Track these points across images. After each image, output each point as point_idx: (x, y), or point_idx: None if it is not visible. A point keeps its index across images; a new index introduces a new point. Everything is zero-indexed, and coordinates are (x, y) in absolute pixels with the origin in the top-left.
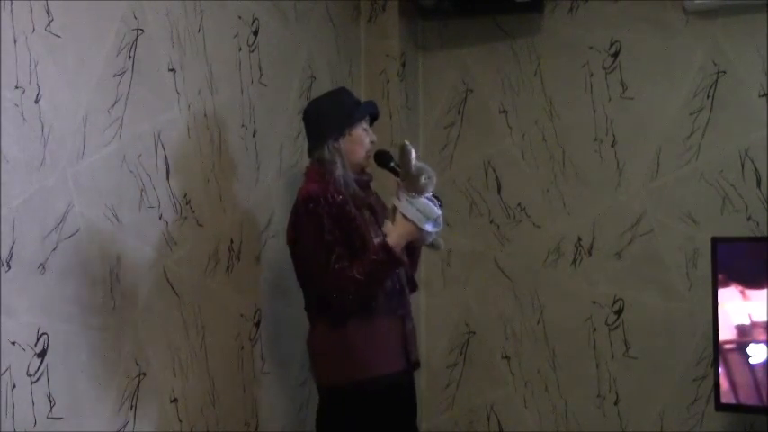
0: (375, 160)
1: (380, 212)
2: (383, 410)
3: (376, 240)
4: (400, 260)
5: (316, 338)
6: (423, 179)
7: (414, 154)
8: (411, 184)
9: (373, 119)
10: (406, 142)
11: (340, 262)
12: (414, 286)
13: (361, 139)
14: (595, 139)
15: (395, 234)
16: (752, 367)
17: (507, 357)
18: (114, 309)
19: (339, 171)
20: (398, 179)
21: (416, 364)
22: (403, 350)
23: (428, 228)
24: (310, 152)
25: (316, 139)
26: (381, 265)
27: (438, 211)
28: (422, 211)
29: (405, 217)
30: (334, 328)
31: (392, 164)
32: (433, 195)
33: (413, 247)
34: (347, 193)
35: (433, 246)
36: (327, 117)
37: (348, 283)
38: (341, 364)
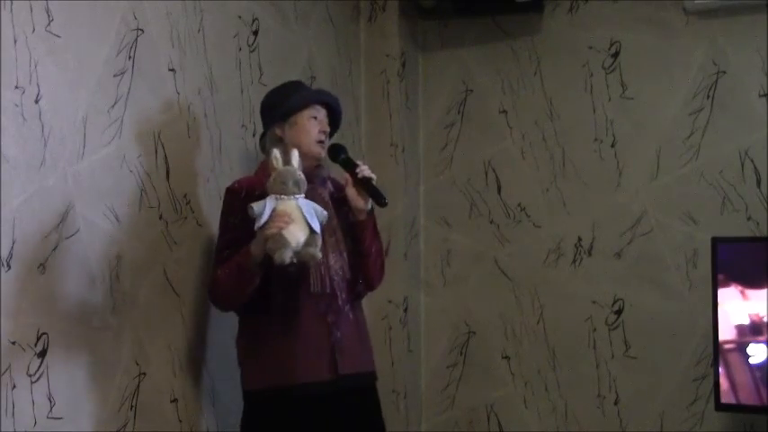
0: (327, 154)
1: (333, 206)
2: (307, 420)
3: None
4: (250, 268)
5: (239, 339)
6: (271, 178)
7: (278, 161)
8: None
9: (335, 116)
10: (274, 149)
11: (223, 261)
12: (356, 294)
13: (307, 127)
14: (595, 139)
15: (257, 236)
16: (752, 367)
17: (507, 357)
18: (114, 309)
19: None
20: (347, 174)
21: (355, 378)
22: (329, 360)
23: (255, 225)
24: (259, 143)
25: (264, 129)
26: (238, 269)
27: (260, 206)
28: (252, 207)
29: None
30: (254, 327)
31: (342, 156)
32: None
33: (360, 243)
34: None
35: (274, 256)
36: (272, 105)
37: (214, 283)
38: (259, 367)
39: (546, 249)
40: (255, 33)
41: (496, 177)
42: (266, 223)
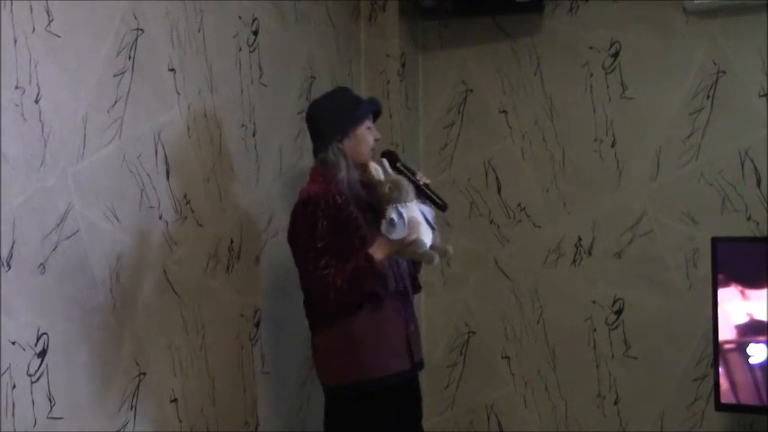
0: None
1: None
2: (390, 410)
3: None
4: (379, 271)
5: (319, 338)
6: (386, 188)
7: (379, 171)
8: (381, 196)
9: (376, 115)
10: (371, 163)
11: (327, 269)
12: (417, 288)
13: (365, 138)
14: (595, 139)
15: (375, 245)
16: (752, 367)
17: (507, 357)
18: (114, 309)
19: (343, 173)
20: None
21: (420, 364)
22: (407, 350)
23: (385, 232)
24: (315, 153)
25: (320, 141)
26: (362, 273)
27: (391, 214)
28: (385, 218)
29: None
30: (337, 327)
31: (398, 164)
32: (424, 201)
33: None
34: (350, 195)
35: (423, 258)
36: (331, 118)
37: (329, 289)
38: (346, 364)
39: (546, 249)
40: (255, 33)
41: (496, 177)
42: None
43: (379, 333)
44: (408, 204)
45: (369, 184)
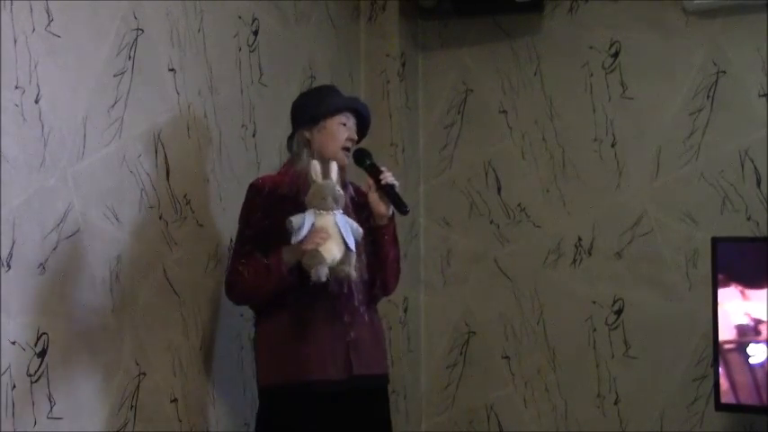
0: (353, 158)
1: (353, 211)
2: (319, 419)
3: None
4: (282, 274)
5: (256, 336)
6: (311, 191)
7: (315, 169)
8: (306, 198)
9: (364, 123)
10: (313, 161)
11: (243, 258)
12: (372, 297)
13: (336, 133)
14: (595, 139)
15: (290, 245)
16: (752, 367)
17: (507, 357)
18: (114, 309)
19: (302, 164)
20: (371, 179)
21: (368, 378)
22: (344, 359)
23: (292, 237)
24: (287, 144)
25: (292, 130)
26: (266, 270)
27: (299, 220)
28: (291, 220)
29: None
30: (271, 324)
31: (368, 162)
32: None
33: (380, 249)
34: (304, 188)
35: (311, 273)
36: (303, 106)
37: (236, 278)
38: (272, 363)
39: (546, 249)
40: (255, 33)
41: (496, 177)
42: (304, 238)
43: (309, 335)
44: (323, 213)
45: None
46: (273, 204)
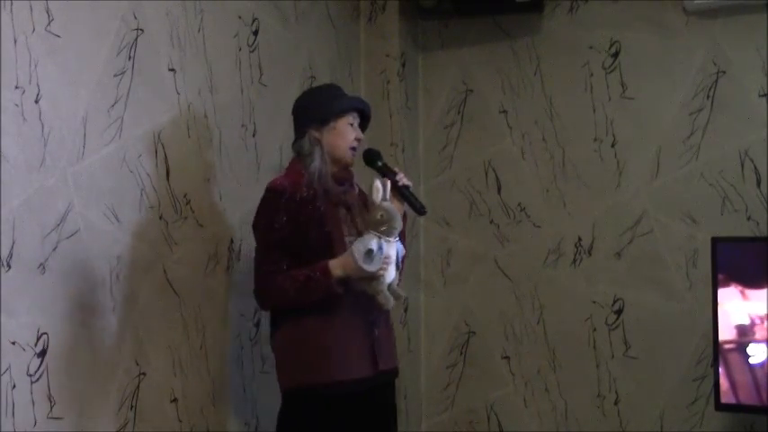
0: (363, 158)
1: (361, 211)
2: (346, 419)
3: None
4: (332, 288)
5: (277, 336)
6: (378, 215)
7: (380, 192)
8: (369, 219)
9: (365, 120)
10: (378, 180)
11: (274, 265)
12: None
13: (345, 133)
14: (595, 139)
15: (339, 260)
16: (752, 367)
17: (507, 357)
18: (114, 309)
19: (316, 164)
20: (384, 178)
21: (389, 373)
22: (370, 356)
23: (358, 259)
24: (293, 144)
25: (298, 130)
26: (314, 284)
27: (372, 245)
28: (362, 243)
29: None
30: (295, 326)
31: (380, 163)
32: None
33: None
34: (319, 188)
35: (378, 299)
36: (311, 106)
37: (276, 290)
38: (300, 365)
39: (546, 249)
40: (255, 33)
41: (496, 177)
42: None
43: (336, 335)
44: (390, 240)
45: (343, 180)
46: (295, 208)
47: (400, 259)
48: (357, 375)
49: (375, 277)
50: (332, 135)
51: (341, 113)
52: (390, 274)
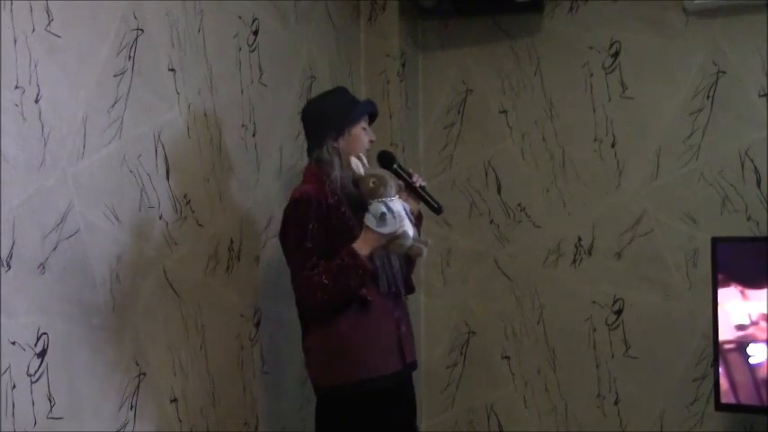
0: (378, 161)
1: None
2: (381, 411)
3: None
4: (364, 265)
5: (310, 339)
6: (370, 183)
7: (359, 166)
8: (365, 191)
9: (372, 118)
10: (352, 157)
11: (315, 269)
12: (410, 289)
13: (360, 138)
14: (595, 139)
15: (359, 240)
16: (752, 367)
17: (507, 357)
18: (114, 309)
19: (337, 171)
20: (400, 181)
21: (413, 365)
22: (399, 351)
23: (375, 227)
24: (309, 152)
25: (315, 139)
26: (347, 268)
27: (381, 209)
28: (371, 212)
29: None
30: (328, 328)
31: (395, 165)
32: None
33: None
34: (342, 195)
35: (410, 252)
36: (326, 116)
37: (315, 288)
38: (337, 364)
39: (546, 249)
40: (255, 33)
41: (496, 177)
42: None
43: (369, 334)
44: (393, 199)
45: (356, 180)
46: (324, 215)
47: (409, 213)
48: (389, 371)
49: (397, 236)
50: (348, 142)
51: (359, 120)
52: (409, 228)
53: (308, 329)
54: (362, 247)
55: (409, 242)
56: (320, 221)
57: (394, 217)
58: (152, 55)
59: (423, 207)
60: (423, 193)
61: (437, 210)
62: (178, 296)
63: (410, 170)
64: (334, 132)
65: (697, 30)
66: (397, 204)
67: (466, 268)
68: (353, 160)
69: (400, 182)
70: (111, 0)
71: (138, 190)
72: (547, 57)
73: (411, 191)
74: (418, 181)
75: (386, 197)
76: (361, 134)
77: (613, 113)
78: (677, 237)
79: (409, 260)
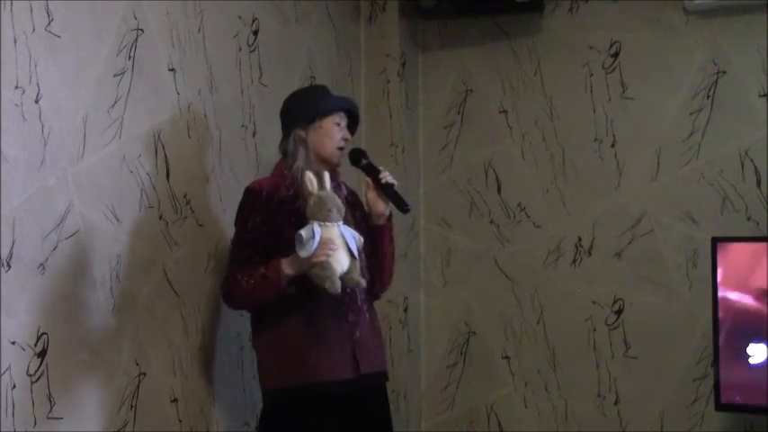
0: (348, 158)
1: (350, 212)
2: (328, 421)
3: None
4: (281, 286)
5: (257, 339)
6: (311, 201)
7: (313, 183)
8: (306, 209)
9: (354, 121)
10: (307, 172)
11: (241, 264)
12: (374, 294)
13: (331, 132)
14: (595, 139)
15: (289, 258)
16: (752, 367)
17: (507, 357)
18: (114, 309)
19: (300, 163)
20: (368, 178)
21: (376, 378)
22: (352, 358)
23: (298, 251)
24: (279, 144)
25: (284, 131)
26: (266, 282)
27: (309, 232)
28: (301, 231)
29: None
30: (275, 330)
31: (364, 162)
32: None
33: (377, 249)
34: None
35: (324, 285)
36: (296, 107)
37: (234, 286)
38: (280, 366)
39: (546, 249)
40: (255, 33)
41: (496, 177)
42: (314, 251)
43: (315, 335)
44: (329, 224)
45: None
46: (273, 209)
47: (356, 246)
48: (337, 377)
49: (313, 264)
50: (318, 134)
51: (327, 113)
52: (339, 261)
53: (254, 327)
54: (288, 266)
55: (326, 273)
56: (265, 215)
57: (312, 244)
58: (152, 55)
59: (391, 206)
60: (389, 191)
61: (402, 208)
62: (178, 296)
63: (380, 167)
64: (303, 122)
65: (697, 30)
66: (332, 231)
67: (466, 268)
68: (309, 175)
69: (368, 179)
70: (111, 0)
71: (138, 190)
72: (547, 57)
73: (378, 188)
74: (385, 178)
75: (324, 220)
76: (333, 128)
77: (613, 113)
78: (677, 237)
79: (382, 263)
